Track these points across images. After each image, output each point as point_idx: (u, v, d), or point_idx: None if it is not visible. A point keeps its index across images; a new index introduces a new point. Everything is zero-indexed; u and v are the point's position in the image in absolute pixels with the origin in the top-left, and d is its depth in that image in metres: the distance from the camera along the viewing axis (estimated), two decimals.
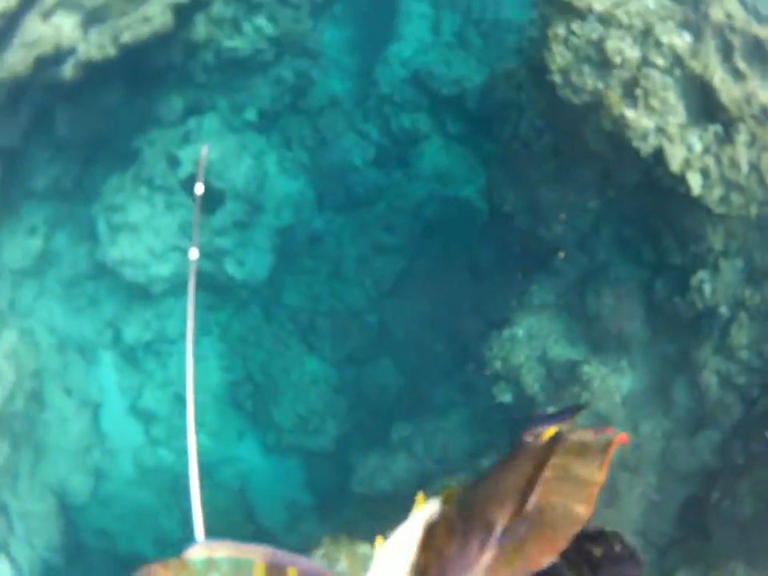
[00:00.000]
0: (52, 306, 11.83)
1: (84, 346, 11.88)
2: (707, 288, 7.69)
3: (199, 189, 3.47)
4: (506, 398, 8.92)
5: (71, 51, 9.74)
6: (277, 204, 11.68)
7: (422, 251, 11.31)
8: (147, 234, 11.39)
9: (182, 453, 11.18)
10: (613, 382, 8.30)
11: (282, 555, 1.95)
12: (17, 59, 9.57)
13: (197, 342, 11.76)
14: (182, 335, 11.71)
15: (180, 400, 11.50)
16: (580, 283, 8.82)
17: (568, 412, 2.03)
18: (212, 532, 7.66)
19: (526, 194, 9.16)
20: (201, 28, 10.88)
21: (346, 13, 12.33)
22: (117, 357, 11.98)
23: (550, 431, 1.89)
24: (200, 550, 1.97)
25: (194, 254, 3.15)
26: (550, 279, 9.04)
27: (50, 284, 11.84)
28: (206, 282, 11.50)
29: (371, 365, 11.43)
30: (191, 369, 2.89)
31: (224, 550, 1.94)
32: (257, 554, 1.94)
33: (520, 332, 8.96)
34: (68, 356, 11.76)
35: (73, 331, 11.86)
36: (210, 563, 1.92)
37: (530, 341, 8.90)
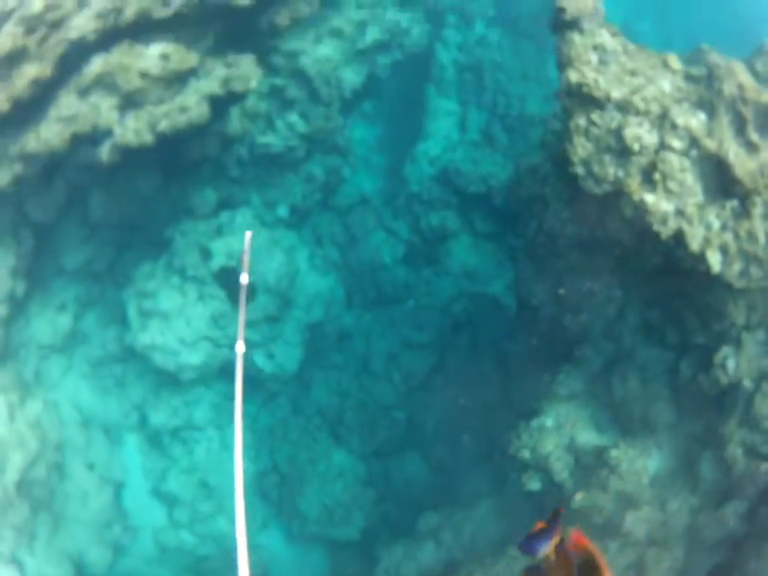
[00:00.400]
0: (78, 383, 12.20)
1: (109, 426, 12.22)
2: (731, 363, 7.90)
3: (244, 279, 3.53)
4: (535, 486, 9.06)
5: (108, 132, 10.20)
6: (307, 300, 12.17)
7: (451, 347, 11.69)
8: (178, 322, 11.82)
9: (205, 537, 11.46)
10: (640, 464, 8.44)
11: None
12: (53, 133, 9.99)
13: (224, 430, 12.15)
14: (210, 423, 12.11)
15: (205, 486, 11.92)
16: (606, 370, 9.06)
17: (554, 524, 2.17)
18: None
19: (552, 286, 9.53)
20: (236, 122, 11.51)
21: (375, 110, 13.00)
22: (142, 440, 12.33)
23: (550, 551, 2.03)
24: None
25: (240, 347, 3.16)
26: (576, 368, 9.30)
27: (77, 361, 12.24)
28: (232, 372, 11.87)
29: (398, 458, 11.69)
30: (239, 449, 2.96)
31: None
32: None
33: (548, 421, 9.17)
34: (92, 433, 12.07)
35: (98, 410, 12.21)
36: None
37: (559, 429, 9.09)
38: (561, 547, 2.02)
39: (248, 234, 3.87)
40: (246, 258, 3.68)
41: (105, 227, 11.77)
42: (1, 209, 10.82)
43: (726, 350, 7.96)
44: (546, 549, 2.10)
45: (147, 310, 11.81)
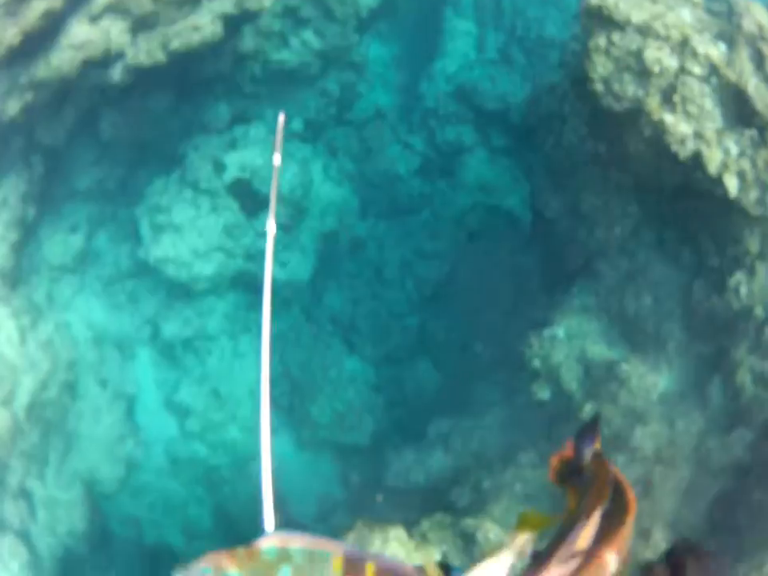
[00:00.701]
0: (91, 301, 12.46)
1: (121, 341, 12.51)
2: (743, 289, 8.10)
3: (277, 159, 3.59)
4: (545, 395, 9.39)
5: (119, 55, 10.36)
6: (321, 209, 12.40)
7: (464, 257, 11.91)
8: (191, 234, 12.08)
9: (216, 447, 11.78)
10: (650, 380, 8.70)
11: (360, 551, 1.93)
12: (63, 60, 10.12)
13: (237, 339, 12.40)
14: (223, 332, 12.37)
15: (217, 396, 12.23)
16: (619, 286, 9.28)
17: (595, 428, 2.21)
18: (240, 520, 8.63)
19: (569, 200, 9.71)
20: (249, 39, 11.59)
21: (390, 29, 12.97)
22: (154, 352, 12.62)
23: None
24: (272, 540, 1.94)
25: (271, 226, 3.26)
26: (590, 282, 9.55)
27: (89, 281, 12.49)
28: (247, 282, 12.20)
29: (410, 364, 11.97)
30: (267, 342, 2.97)
31: (298, 542, 1.93)
32: (333, 547, 1.92)
33: (560, 332, 9.43)
34: (105, 350, 12.36)
35: (111, 326, 12.48)
36: (282, 554, 1.90)
37: (570, 340, 9.36)
38: (599, 454, 2.06)
39: (281, 117, 3.91)
40: (279, 139, 3.76)
41: (116, 146, 11.90)
42: (11, 137, 10.95)
43: (739, 276, 8.15)
44: (589, 454, 2.13)
45: (160, 224, 12.04)
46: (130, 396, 12.40)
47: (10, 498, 10.99)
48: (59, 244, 12.08)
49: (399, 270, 12.32)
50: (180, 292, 12.39)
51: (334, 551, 1.90)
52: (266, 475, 2.34)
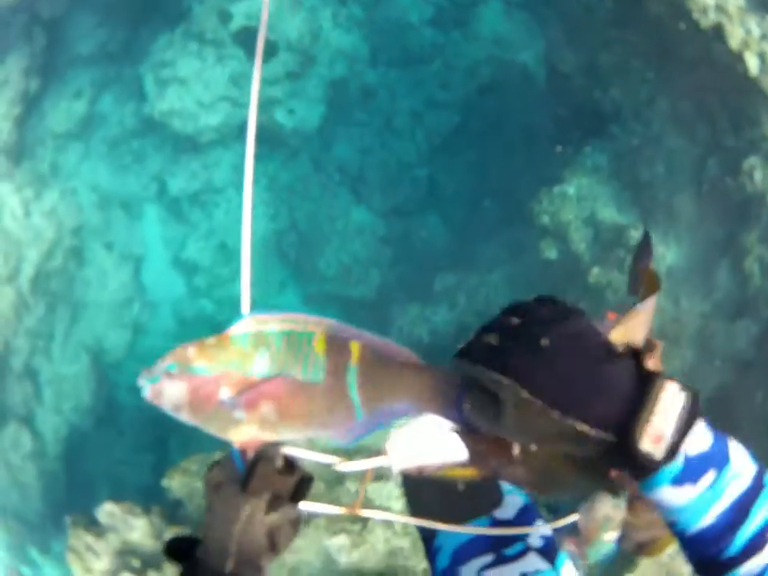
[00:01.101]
0: (97, 166, 12.49)
1: (128, 202, 12.63)
2: (758, 174, 8.08)
3: None
4: (552, 254, 9.64)
5: None
6: (330, 56, 12.32)
7: (476, 110, 11.88)
8: (196, 86, 12.07)
9: (223, 303, 12.05)
10: (659, 252, 8.78)
11: (345, 328, 1.73)
12: None
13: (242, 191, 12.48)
14: (230, 184, 12.51)
15: (224, 250, 12.47)
16: (633, 151, 9.35)
17: (647, 247, 2.18)
18: None
19: (586, 57, 9.68)
20: None
21: None
22: (161, 210, 12.77)
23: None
24: (246, 323, 1.69)
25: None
26: (603, 143, 9.65)
27: (95, 145, 12.48)
28: (255, 133, 12.15)
29: (418, 217, 12.14)
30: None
31: (276, 323, 1.68)
32: (314, 326, 1.70)
33: (570, 190, 9.60)
34: (111, 212, 12.50)
35: (117, 188, 12.56)
36: (258, 339, 1.67)
37: (580, 201, 9.54)
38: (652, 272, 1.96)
39: None
40: None
41: (118, 8, 11.73)
42: (13, 16, 10.77)
43: (753, 160, 8.14)
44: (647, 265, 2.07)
45: (165, 79, 12.01)
46: (137, 257, 12.61)
47: (15, 381, 11.28)
48: (63, 112, 12.02)
49: (409, 120, 12.31)
50: (186, 146, 12.43)
51: (316, 330, 1.69)
52: (246, 248, 1.84)
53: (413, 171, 12.20)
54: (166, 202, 12.70)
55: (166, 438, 11.22)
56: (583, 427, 1.27)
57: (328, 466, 1.83)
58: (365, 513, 1.98)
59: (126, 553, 7.55)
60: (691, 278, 8.79)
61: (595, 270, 9.10)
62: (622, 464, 1.32)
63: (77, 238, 12.07)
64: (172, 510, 7.94)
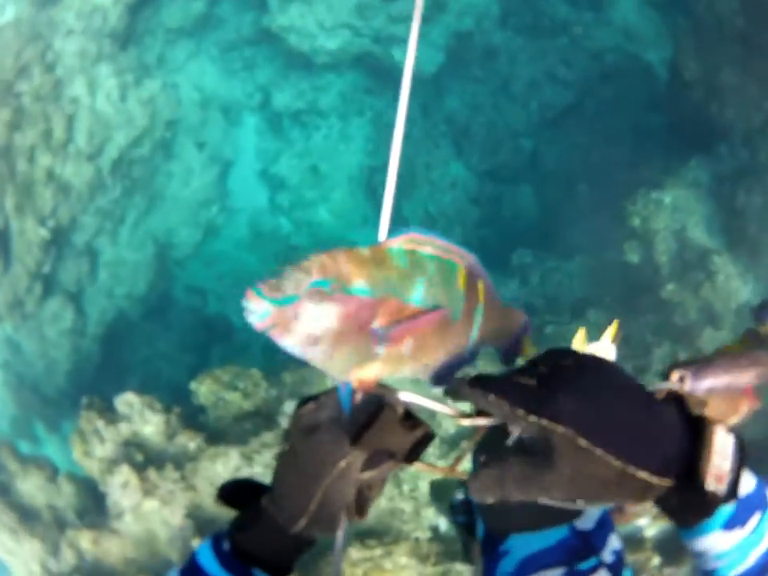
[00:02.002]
0: (204, 66, 12.95)
1: (229, 107, 13.07)
2: None
3: None
4: (634, 257, 9.80)
5: None
6: (460, 8, 12.50)
7: (594, 94, 12.01)
8: (320, 7, 12.36)
9: (301, 225, 12.42)
10: (734, 286, 9.00)
11: (475, 264, 1.61)
12: None
13: (347, 120, 12.80)
14: (335, 111, 12.92)
15: (315, 173, 12.87)
16: (735, 175, 9.43)
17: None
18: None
19: (709, 70, 9.75)
20: None
21: None
22: (261, 121, 13.19)
23: None
24: (404, 240, 1.54)
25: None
26: (708, 160, 9.70)
27: (206, 46, 12.93)
28: (371, 65, 12.61)
29: (513, 186, 12.39)
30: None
31: (429, 245, 1.54)
32: (457, 258, 1.57)
33: (667, 199, 9.69)
34: (209, 114, 12.93)
35: (221, 91, 12.99)
36: (414, 261, 1.52)
37: (674, 212, 9.63)
38: None
39: None
40: None
41: None
42: None
43: None
44: None
45: None
46: (226, 161, 13.04)
47: (72, 257, 11.63)
48: (179, 8, 12.44)
49: (526, 88, 12.50)
50: (298, 63, 12.78)
51: (460, 263, 1.57)
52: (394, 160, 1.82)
53: (518, 139, 12.39)
54: (268, 114, 13.09)
55: (210, 345, 11.74)
56: (643, 474, 1.31)
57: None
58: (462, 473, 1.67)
59: (131, 445, 7.90)
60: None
61: (670, 287, 9.26)
62: (681, 506, 1.39)
63: (169, 131, 12.48)
64: (192, 415, 8.23)
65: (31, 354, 11.40)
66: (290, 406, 7.97)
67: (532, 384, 1.35)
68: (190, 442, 7.80)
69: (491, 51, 12.64)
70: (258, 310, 1.41)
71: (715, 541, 1.42)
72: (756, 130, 9.33)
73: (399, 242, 1.53)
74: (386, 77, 12.67)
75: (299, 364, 6.93)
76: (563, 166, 12.10)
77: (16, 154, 10.85)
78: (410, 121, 8.09)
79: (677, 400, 1.42)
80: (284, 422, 7.87)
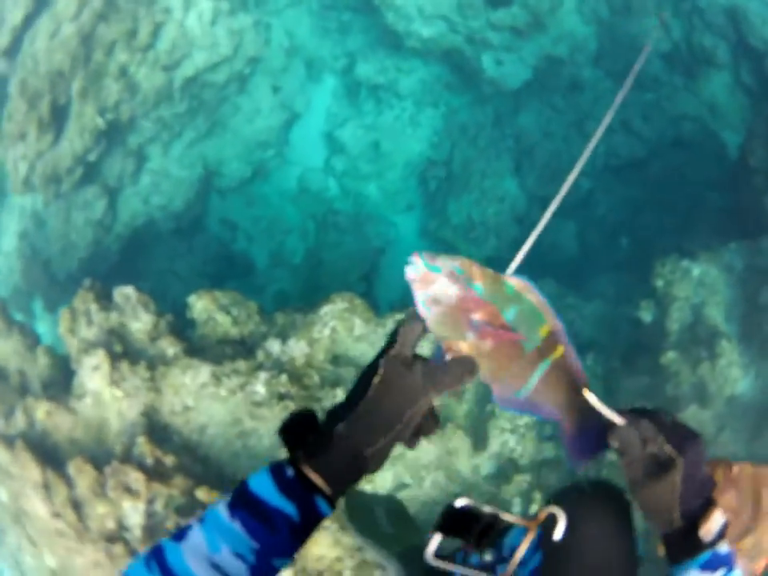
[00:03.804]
0: (302, 16, 13.04)
1: (313, 63, 13.17)
2: None
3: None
4: (647, 317, 9.77)
5: None
6: (559, 33, 12.54)
7: (661, 155, 12.00)
8: None
9: (348, 193, 12.61)
10: (733, 375, 8.92)
11: (563, 332, 2.26)
12: None
13: (420, 109, 12.84)
14: (412, 95, 12.99)
15: (377, 149, 12.94)
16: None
17: None
18: (325, 269, 9.33)
19: None
20: None
21: None
22: (340, 85, 13.29)
23: None
24: (518, 281, 2.20)
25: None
26: (749, 250, 9.65)
27: None
28: (458, 63, 12.73)
29: (559, 218, 12.06)
30: None
31: (533, 296, 2.20)
32: (548, 316, 2.22)
33: (696, 271, 9.65)
34: (293, 63, 13.01)
35: (310, 46, 13.10)
36: (517, 296, 2.16)
37: (698, 286, 9.58)
38: None
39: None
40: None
41: None
42: None
43: None
44: None
45: None
46: (295, 112, 13.08)
47: (121, 154, 11.73)
48: None
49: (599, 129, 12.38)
50: (390, 41, 12.84)
51: (548, 320, 2.19)
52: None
53: (578, 177, 12.28)
54: (348, 81, 13.19)
55: (226, 279, 11.74)
56: (677, 513, 2.18)
57: None
58: None
59: (115, 334, 8.03)
60: (747, 418, 8.81)
61: (671, 354, 9.19)
62: (679, 543, 2.20)
63: (249, 67, 12.53)
64: (181, 327, 8.38)
65: (53, 232, 11.48)
66: (272, 345, 8.09)
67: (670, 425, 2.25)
68: (169, 347, 7.90)
69: (577, 84, 12.70)
70: (416, 265, 2.02)
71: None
72: None
73: (514, 281, 2.15)
74: (469, 78, 12.79)
75: (294, 308, 7.02)
76: (612, 215, 12.16)
77: (95, 44, 10.95)
78: (479, 126, 8.49)
79: (714, 486, 2.26)
80: (261, 357, 7.95)
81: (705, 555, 2.16)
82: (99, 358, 7.69)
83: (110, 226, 11.68)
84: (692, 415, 8.80)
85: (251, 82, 12.70)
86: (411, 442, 2.03)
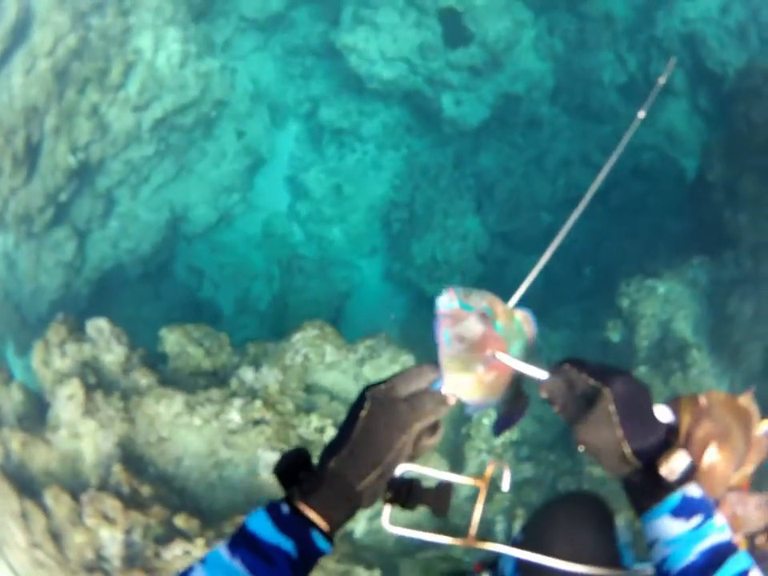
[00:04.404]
0: (266, 62, 13.14)
1: (277, 108, 13.19)
2: None
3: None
4: (615, 337, 9.79)
5: None
6: (516, 72, 12.61)
7: (621, 186, 11.98)
8: (386, 36, 12.45)
9: (312, 238, 12.47)
10: (707, 382, 8.90)
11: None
12: None
13: (382, 151, 12.82)
14: (374, 139, 12.96)
15: (339, 193, 12.88)
16: (733, 283, 9.40)
17: None
18: (292, 317, 9.04)
19: (732, 176, 9.77)
20: None
21: None
22: (303, 130, 13.31)
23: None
24: (521, 314, 2.24)
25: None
26: (712, 264, 9.70)
27: (273, 44, 13.15)
28: (418, 105, 12.69)
29: (523, 253, 12.35)
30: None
31: (527, 327, 2.25)
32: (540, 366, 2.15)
33: (661, 289, 9.68)
34: (257, 108, 13.04)
35: (274, 91, 13.13)
36: (521, 331, 2.21)
37: (665, 303, 9.60)
38: None
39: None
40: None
41: None
42: None
43: None
44: None
45: (362, 17, 12.49)
46: (259, 157, 13.07)
47: (90, 197, 11.65)
48: (258, 1, 12.73)
49: (559, 165, 12.53)
50: (353, 85, 12.88)
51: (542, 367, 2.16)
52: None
53: (538, 211, 12.39)
54: (311, 125, 13.19)
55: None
56: (628, 449, 1.96)
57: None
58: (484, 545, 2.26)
59: (89, 366, 7.89)
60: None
61: (642, 369, 9.16)
62: (641, 486, 1.99)
63: (215, 111, 12.54)
64: (154, 361, 8.23)
65: (23, 275, 11.38)
66: (245, 373, 7.98)
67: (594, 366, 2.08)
68: (142, 378, 7.75)
69: (535, 121, 12.72)
70: (448, 301, 2.05)
71: (664, 526, 1.94)
72: (764, 243, 9.32)
73: (519, 313, 2.22)
74: (429, 119, 12.80)
75: (264, 338, 6.86)
76: (575, 247, 12.04)
77: (69, 81, 10.98)
78: (440, 167, 8.53)
79: (672, 429, 2.15)
80: (235, 386, 7.82)
81: (673, 499, 1.94)
82: (73, 387, 7.52)
83: (80, 269, 11.58)
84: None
85: (217, 126, 12.71)
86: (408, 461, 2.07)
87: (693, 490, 1.94)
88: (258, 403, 7.54)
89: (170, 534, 6.85)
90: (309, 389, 8.19)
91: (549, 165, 12.58)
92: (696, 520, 1.90)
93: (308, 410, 7.88)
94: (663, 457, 1.93)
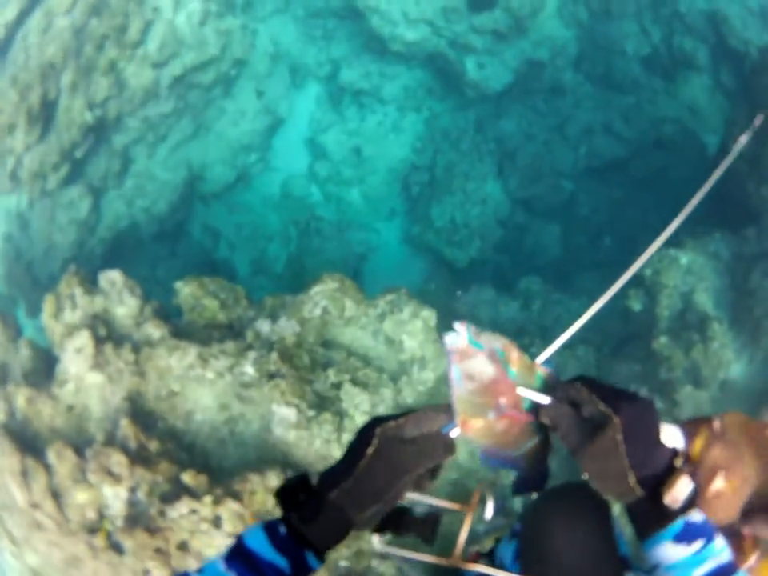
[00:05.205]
0: (287, 23, 12.77)
1: (298, 69, 12.85)
2: None
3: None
4: (636, 305, 9.51)
5: None
6: (540, 38, 12.25)
7: (643, 156, 11.70)
8: None
9: (331, 199, 12.22)
10: (726, 358, 8.62)
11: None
12: None
13: (403, 114, 12.51)
14: (395, 101, 12.60)
15: (358, 154, 12.55)
16: (755, 257, 9.10)
17: None
18: (308, 276, 8.61)
19: (755, 147, 9.40)
20: None
21: None
22: (323, 91, 12.96)
23: None
24: (545, 370, 2.13)
25: None
26: (734, 238, 9.39)
27: (294, 6, 12.77)
28: (441, 67, 12.31)
29: (543, 220, 12.09)
30: None
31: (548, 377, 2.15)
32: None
33: (684, 260, 9.39)
34: (278, 68, 12.69)
35: (295, 52, 12.77)
36: (535, 384, 2.12)
37: (686, 274, 9.30)
38: None
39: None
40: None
41: None
42: None
43: None
44: None
45: None
46: (279, 117, 12.75)
47: (106, 154, 11.31)
48: None
49: (581, 133, 12.18)
50: (375, 46, 12.52)
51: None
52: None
53: (559, 179, 12.07)
54: (332, 87, 12.84)
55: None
56: (632, 478, 1.92)
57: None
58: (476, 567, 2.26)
59: (100, 319, 7.53)
60: (743, 402, 8.48)
61: (662, 339, 8.86)
62: (644, 514, 1.97)
63: (235, 69, 12.18)
64: (167, 313, 7.91)
65: (36, 233, 11.04)
66: (262, 325, 7.61)
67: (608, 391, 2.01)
68: (155, 330, 7.41)
69: (558, 88, 12.36)
70: (459, 336, 1.99)
71: (666, 551, 1.93)
72: None
73: (544, 371, 2.11)
74: (451, 83, 12.44)
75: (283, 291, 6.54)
76: (595, 216, 11.85)
77: (87, 37, 10.62)
78: (462, 130, 8.28)
79: (676, 454, 2.01)
80: (250, 339, 7.46)
81: (676, 525, 1.93)
82: (83, 339, 7.13)
83: (94, 227, 11.22)
84: (687, 395, 8.50)
85: (236, 85, 12.35)
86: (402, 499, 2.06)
87: (695, 516, 1.94)
88: (274, 356, 7.15)
89: (176, 492, 6.52)
90: (326, 344, 7.81)
91: (571, 132, 12.22)
92: (698, 545, 1.92)
93: (325, 365, 7.54)
94: (667, 485, 1.91)
